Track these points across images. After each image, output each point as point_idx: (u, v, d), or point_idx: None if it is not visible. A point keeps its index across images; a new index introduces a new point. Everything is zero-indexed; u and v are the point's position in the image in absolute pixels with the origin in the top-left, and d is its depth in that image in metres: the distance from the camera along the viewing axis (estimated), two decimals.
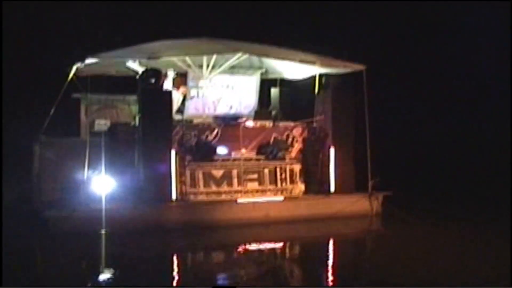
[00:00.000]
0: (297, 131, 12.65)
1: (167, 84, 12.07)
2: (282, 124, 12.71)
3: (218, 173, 11.59)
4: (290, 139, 12.58)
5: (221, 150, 11.87)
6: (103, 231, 8.59)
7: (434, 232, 10.54)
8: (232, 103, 12.96)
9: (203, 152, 11.61)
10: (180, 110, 12.35)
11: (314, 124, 12.70)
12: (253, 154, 12.14)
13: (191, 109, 12.57)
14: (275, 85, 13.80)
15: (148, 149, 10.79)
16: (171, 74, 12.18)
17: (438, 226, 10.96)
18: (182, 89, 12.44)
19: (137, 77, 11.44)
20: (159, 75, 11.28)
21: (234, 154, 11.92)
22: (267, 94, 13.63)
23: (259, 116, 12.63)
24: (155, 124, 10.87)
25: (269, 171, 11.94)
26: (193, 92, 12.53)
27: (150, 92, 11.05)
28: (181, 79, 12.38)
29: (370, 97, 12.15)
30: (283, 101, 13.54)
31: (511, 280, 7.20)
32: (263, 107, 13.42)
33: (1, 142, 11.97)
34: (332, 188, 12.21)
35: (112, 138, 11.08)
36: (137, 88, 11.29)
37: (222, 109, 12.87)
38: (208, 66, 12.21)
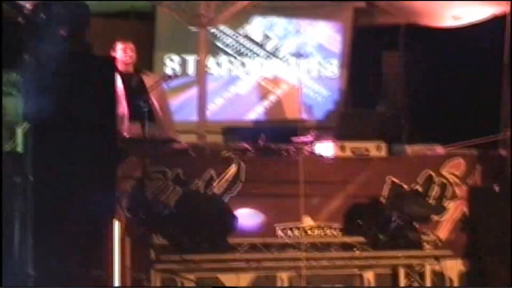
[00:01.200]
0: (454, 169, 8.13)
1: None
2: (412, 149, 8.34)
3: (239, 281, 7.73)
4: (435, 191, 8.03)
5: (248, 221, 7.76)
6: None
7: None
8: (278, 92, 10.31)
9: (198, 228, 7.63)
10: (141, 112, 8.53)
11: (502, 152, 8.28)
12: (333, 231, 7.93)
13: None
14: (393, 45, 9.55)
15: (48, 216, 7.20)
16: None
17: None
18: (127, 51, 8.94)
19: (22, 21, 7.57)
20: (80, 18, 7.47)
21: (282, 230, 7.87)
22: (374, 68, 9.65)
23: (352, 128, 8.47)
24: (71, 148, 7.51)
25: (379, 277, 7.98)
26: (171, 64, 10.16)
27: (60, 61, 7.45)
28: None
29: None
30: (414, 85, 9.44)
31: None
32: (360, 105, 9.82)
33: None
34: None
35: None
36: (24, 52, 7.45)
37: (249, 110, 10.38)
38: None
